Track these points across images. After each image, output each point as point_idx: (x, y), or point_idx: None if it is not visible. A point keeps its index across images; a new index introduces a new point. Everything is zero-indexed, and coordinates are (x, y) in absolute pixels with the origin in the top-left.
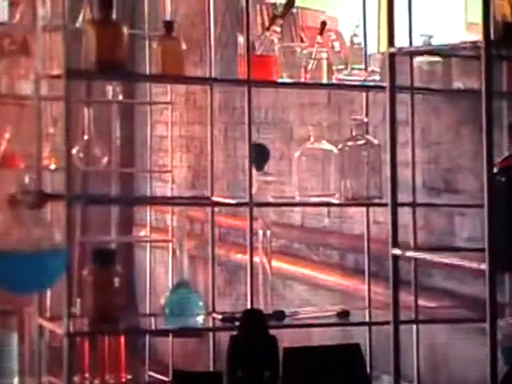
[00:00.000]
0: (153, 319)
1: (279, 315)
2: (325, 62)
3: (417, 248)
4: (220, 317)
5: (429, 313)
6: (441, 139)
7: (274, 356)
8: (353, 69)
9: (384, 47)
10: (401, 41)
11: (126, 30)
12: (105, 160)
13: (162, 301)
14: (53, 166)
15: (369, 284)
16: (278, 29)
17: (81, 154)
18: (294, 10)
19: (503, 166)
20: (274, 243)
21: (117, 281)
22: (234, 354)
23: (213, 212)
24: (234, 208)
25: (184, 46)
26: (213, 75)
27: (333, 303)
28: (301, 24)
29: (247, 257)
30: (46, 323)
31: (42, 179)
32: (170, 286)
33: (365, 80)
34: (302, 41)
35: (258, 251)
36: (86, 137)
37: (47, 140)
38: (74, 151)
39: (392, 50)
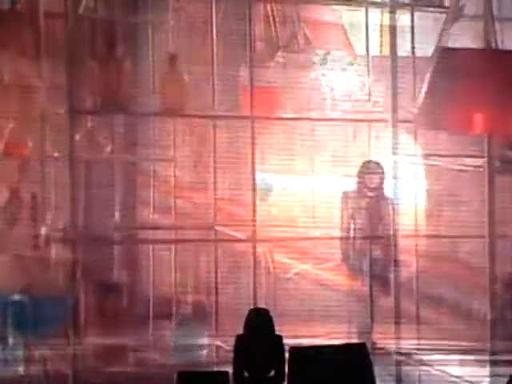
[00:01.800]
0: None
1: None
2: (328, 95)
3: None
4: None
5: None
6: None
7: (279, 355)
8: (356, 100)
9: (386, 51)
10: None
11: (128, 65)
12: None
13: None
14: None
15: (372, 305)
16: (282, 60)
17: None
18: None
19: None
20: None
21: (122, 313)
22: (241, 353)
23: (216, 248)
24: (236, 193)
25: (186, 78)
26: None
27: (336, 300)
28: (302, 18)
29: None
30: (49, 352)
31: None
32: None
33: (368, 112)
34: (306, 37)
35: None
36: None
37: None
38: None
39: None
